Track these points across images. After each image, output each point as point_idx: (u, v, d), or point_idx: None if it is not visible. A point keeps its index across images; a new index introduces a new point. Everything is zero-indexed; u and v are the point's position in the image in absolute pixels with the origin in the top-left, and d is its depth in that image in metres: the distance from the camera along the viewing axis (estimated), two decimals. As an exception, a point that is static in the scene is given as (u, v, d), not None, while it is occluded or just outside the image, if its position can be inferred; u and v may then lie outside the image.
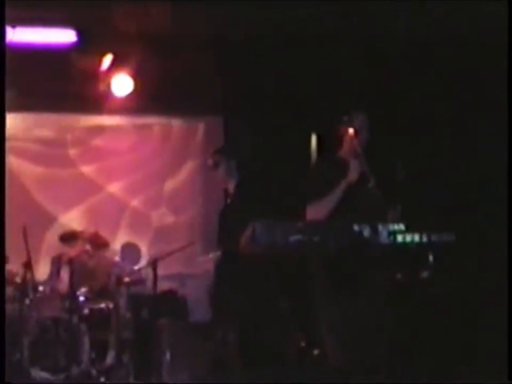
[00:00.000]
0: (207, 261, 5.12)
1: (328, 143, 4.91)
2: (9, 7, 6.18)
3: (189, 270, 6.63)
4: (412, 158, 5.95)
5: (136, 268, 6.55)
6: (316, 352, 5.40)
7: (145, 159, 7.53)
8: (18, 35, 6.48)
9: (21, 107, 7.23)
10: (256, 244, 4.05)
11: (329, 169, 4.48)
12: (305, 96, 6.79)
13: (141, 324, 6.13)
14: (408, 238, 3.82)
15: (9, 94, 7.04)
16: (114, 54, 6.74)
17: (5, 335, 4.20)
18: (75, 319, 5.89)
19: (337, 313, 4.18)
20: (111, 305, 6.05)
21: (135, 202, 7.58)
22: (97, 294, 6.14)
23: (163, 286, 6.25)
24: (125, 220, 7.52)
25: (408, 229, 3.83)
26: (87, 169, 7.59)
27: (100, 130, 7.50)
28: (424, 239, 3.82)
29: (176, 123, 7.69)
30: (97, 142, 7.54)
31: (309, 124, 6.60)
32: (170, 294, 6.62)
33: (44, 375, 5.64)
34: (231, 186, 4.94)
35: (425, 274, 3.98)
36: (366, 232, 3.86)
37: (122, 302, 6.14)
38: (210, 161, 4.98)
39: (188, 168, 7.63)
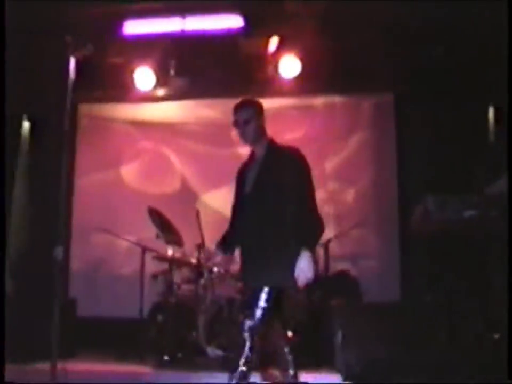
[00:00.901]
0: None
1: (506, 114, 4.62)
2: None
3: (361, 249, 6.49)
4: None
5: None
6: (496, 336, 5.09)
7: (309, 138, 7.45)
8: (188, 24, 6.67)
9: (191, 94, 7.48)
10: (429, 221, 3.88)
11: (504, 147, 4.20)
12: (480, 68, 6.43)
13: (314, 305, 6.09)
14: None
15: (181, 81, 7.33)
16: (281, 36, 6.74)
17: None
18: (248, 298, 5.93)
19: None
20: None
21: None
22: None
23: (335, 267, 6.17)
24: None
25: None
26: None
27: (269, 112, 7.51)
28: None
29: (343, 101, 7.57)
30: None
31: (485, 97, 6.25)
32: (343, 274, 6.51)
33: (219, 352, 5.75)
34: (259, 148, 4.27)
35: None
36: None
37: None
38: (238, 117, 4.27)
39: (354, 143, 7.47)
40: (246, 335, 3.84)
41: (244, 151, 7.49)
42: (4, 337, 4.18)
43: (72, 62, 3.15)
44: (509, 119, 5.34)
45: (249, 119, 4.23)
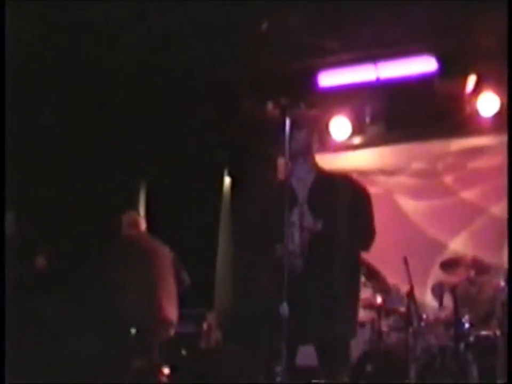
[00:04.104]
0: None
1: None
2: (370, 46, 6.51)
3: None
4: None
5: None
6: None
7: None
8: (381, 71, 6.72)
9: (388, 140, 7.47)
10: None
11: None
12: None
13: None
14: None
15: (377, 128, 7.36)
16: (478, 74, 6.59)
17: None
18: (461, 347, 5.75)
19: None
20: (498, 332, 5.79)
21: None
22: (482, 321, 5.94)
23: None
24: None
25: None
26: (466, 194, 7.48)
27: (470, 153, 7.33)
28: None
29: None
30: (472, 164, 7.38)
31: None
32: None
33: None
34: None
35: None
36: None
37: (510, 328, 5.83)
38: None
39: None
40: None
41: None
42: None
43: (288, 122, 3.28)
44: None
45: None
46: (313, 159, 3.98)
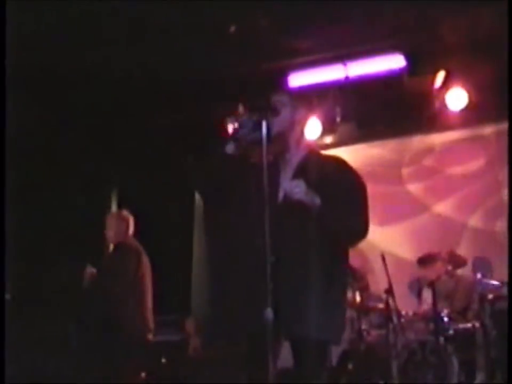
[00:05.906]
0: None
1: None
2: (338, 45, 6.54)
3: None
4: None
5: (497, 283, 6.22)
6: None
7: (485, 169, 7.23)
8: (350, 70, 6.75)
9: (359, 138, 7.51)
10: None
11: None
12: None
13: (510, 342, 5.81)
14: None
15: (348, 127, 7.39)
16: (446, 69, 6.65)
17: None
18: (441, 340, 5.78)
19: None
20: (476, 324, 5.85)
21: (474, 218, 7.28)
22: (460, 314, 5.99)
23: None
24: (465, 237, 7.24)
25: None
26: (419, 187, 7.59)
27: (437, 147, 7.42)
28: None
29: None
30: (433, 159, 7.48)
31: None
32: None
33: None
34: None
35: None
36: None
37: (488, 320, 5.89)
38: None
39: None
40: None
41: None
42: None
43: (264, 125, 3.20)
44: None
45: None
46: (300, 139, 3.48)
